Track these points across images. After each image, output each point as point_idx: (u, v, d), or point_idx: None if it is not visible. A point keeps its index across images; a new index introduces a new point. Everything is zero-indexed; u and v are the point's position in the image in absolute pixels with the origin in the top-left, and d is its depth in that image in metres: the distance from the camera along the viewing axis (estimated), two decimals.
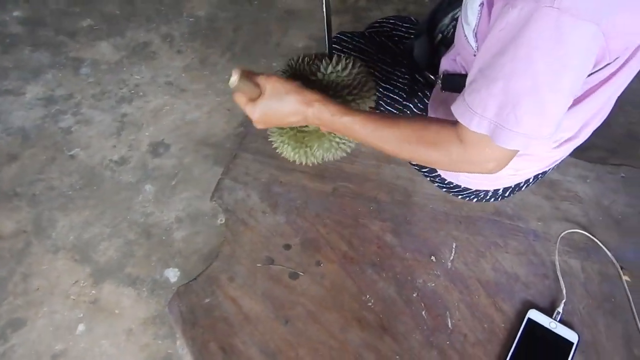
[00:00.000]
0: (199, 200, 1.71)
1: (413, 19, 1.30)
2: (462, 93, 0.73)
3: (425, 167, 1.17)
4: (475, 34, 0.82)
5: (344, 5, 2.25)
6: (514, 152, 0.74)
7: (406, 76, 1.14)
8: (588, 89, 0.79)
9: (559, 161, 1.07)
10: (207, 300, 1.05)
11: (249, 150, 1.28)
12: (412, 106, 1.11)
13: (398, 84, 1.13)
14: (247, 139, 1.30)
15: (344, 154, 1.00)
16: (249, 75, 0.81)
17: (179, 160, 1.80)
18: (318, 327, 1.02)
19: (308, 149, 0.96)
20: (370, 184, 1.23)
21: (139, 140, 1.83)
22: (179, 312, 1.03)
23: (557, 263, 1.11)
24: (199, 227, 1.67)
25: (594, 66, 0.67)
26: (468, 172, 0.79)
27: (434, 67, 1.07)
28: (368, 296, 1.07)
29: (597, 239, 1.15)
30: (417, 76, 1.13)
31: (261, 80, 0.82)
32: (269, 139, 1.02)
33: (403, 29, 1.27)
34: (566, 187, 1.24)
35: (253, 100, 0.82)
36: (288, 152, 0.98)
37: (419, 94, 1.11)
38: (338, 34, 1.26)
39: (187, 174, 1.77)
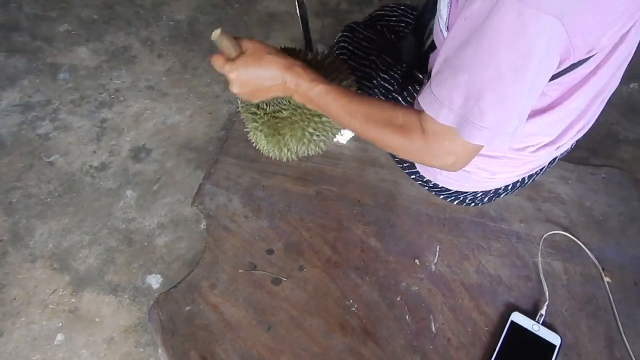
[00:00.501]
0: (181, 205, 1.68)
1: None
2: (428, 84, 0.73)
3: (406, 163, 1.16)
4: (447, 27, 0.81)
5: (325, 8, 2.24)
6: (474, 149, 0.74)
7: (405, 69, 1.14)
8: (563, 92, 0.79)
9: (540, 169, 1.07)
10: (187, 308, 1.03)
11: (230, 154, 1.27)
12: (401, 99, 1.11)
13: (395, 75, 1.14)
14: (229, 143, 1.29)
15: (319, 150, 1.00)
16: (231, 36, 0.80)
17: (160, 165, 1.77)
18: (301, 333, 1.01)
19: (280, 137, 0.94)
20: (354, 186, 1.23)
21: (119, 146, 1.80)
22: (158, 320, 1.01)
23: (539, 265, 1.11)
24: (182, 232, 1.64)
25: (560, 65, 0.67)
26: (428, 165, 0.80)
27: (425, 65, 1.07)
28: (351, 301, 1.06)
29: (579, 240, 1.15)
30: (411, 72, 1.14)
31: (243, 41, 0.81)
32: (245, 129, 1.01)
33: (411, 17, 1.28)
34: (548, 188, 1.25)
35: (232, 60, 0.81)
36: (261, 140, 0.97)
37: (410, 87, 1.11)
38: (352, 23, 1.28)
39: (169, 178, 1.74)
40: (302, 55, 0.95)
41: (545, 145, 0.92)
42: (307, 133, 0.94)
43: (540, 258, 1.13)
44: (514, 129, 0.67)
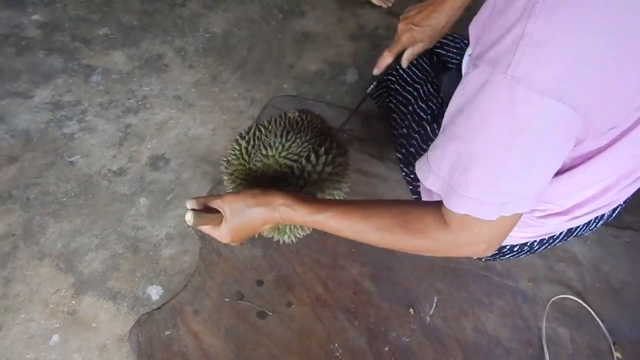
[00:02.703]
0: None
1: None
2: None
3: (417, 188, 1.11)
4: None
5: (361, 32, 2.22)
6: (505, 230, 0.69)
7: (440, 103, 1.13)
8: (573, 159, 0.72)
9: (552, 238, 0.99)
10: (167, 333, 1.01)
11: None
12: (428, 129, 1.08)
13: (432, 107, 1.12)
14: None
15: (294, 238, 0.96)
16: (202, 205, 0.79)
17: (177, 176, 1.77)
18: None
19: None
20: None
21: (139, 152, 1.81)
22: (137, 342, 1.00)
23: (543, 330, 1.04)
24: (188, 246, 1.63)
25: (578, 145, 0.62)
26: (460, 256, 0.75)
27: None
28: (336, 345, 1.01)
29: (591, 307, 1.07)
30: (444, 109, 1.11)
31: (217, 203, 0.80)
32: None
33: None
34: (563, 247, 1.16)
35: (218, 225, 0.80)
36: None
37: (440, 120, 1.07)
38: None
39: (184, 190, 1.74)
40: (299, 170, 0.91)
41: (553, 214, 0.85)
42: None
43: (545, 323, 1.05)
44: (503, 202, 0.63)
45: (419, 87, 1.16)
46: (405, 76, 1.20)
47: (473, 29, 0.68)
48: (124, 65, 2.02)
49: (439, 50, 1.28)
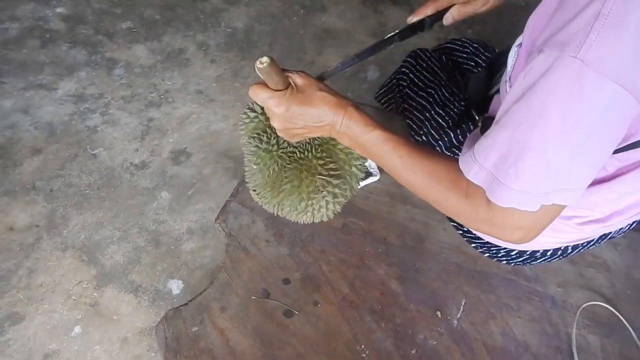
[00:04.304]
0: (212, 213, 1.68)
1: (496, 50, 1.24)
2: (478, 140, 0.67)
3: None
4: (510, 78, 0.76)
5: (382, 29, 2.20)
6: (546, 221, 0.67)
7: (462, 108, 1.10)
8: (619, 168, 0.71)
9: (588, 242, 0.98)
10: (194, 329, 1.00)
11: None
12: (452, 135, 1.06)
13: (451, 113, 1.09)
14: None
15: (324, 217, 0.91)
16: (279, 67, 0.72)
17: (198, 170, 1.78)
18: None
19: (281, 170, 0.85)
20: (382, 223, 1.17)
21: (161, 146, 1.82)
22: (164, 338, 0.99)
23: (573, 337, 1.02)
24: (209, 240, 1.64)
25: (627, 138, 0.60)
26: (493, 237, 0.71)
27: (486, 106, 1.02)
28: (363, 346, 1.00)
29: (622, 315, 1.05)
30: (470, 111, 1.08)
31: (291, 74, 0.74)
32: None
33: (483, 57, 1.22)
34: (593, 253, 1.14)
35: (281, 92, 0.73)
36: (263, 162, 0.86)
37: (464, 126, 1.05)
38: (417, 49, 1.23)
39: (205, 185, 1.75)
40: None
41: (592, 221, 0.84)
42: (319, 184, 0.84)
43: (575, 329, 1.03)
44: (548, 192, 0.61)
45: (432, 91, 1.14)
46: (417, 81, 1.18)
47: (532, 20, 0.66)
48: (146, 59, 2.02)
49: (448, 56, 1.26)
